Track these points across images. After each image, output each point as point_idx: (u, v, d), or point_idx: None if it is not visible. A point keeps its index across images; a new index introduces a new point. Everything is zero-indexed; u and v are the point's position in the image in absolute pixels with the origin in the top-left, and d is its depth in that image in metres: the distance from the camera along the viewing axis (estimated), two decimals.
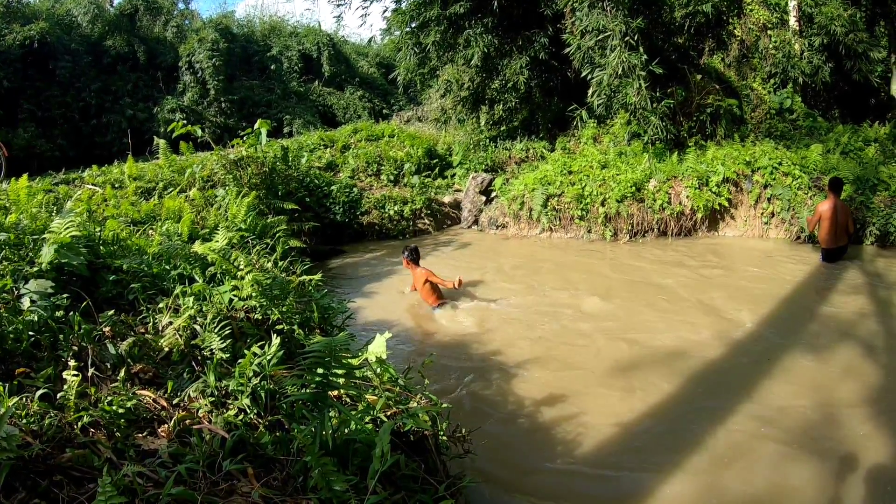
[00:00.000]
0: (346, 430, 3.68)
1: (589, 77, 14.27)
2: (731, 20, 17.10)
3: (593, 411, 6.17)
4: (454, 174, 18.00)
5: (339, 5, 19.08)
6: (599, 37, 13.64)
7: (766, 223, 13.69)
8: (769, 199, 13.55)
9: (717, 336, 8.01)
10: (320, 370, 3.52)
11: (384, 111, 33.41)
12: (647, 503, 4.82)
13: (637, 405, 6.29)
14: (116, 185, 12.03)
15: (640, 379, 6.90)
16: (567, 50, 14.62)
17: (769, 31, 19.80)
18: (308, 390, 3.57)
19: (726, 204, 13.76)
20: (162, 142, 13.72)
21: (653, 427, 5.93)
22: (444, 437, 4.53)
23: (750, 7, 19.71)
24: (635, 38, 13.30)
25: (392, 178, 16.51)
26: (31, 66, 24.70)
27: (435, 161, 18.47)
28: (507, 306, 9.52)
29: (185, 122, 11.50)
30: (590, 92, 14.63)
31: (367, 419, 3.95)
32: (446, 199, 16.47)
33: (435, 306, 9.39)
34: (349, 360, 3.69)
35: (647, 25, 13.83)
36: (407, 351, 7.83)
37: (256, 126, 12.02)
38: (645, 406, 6.28)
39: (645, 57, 13.31)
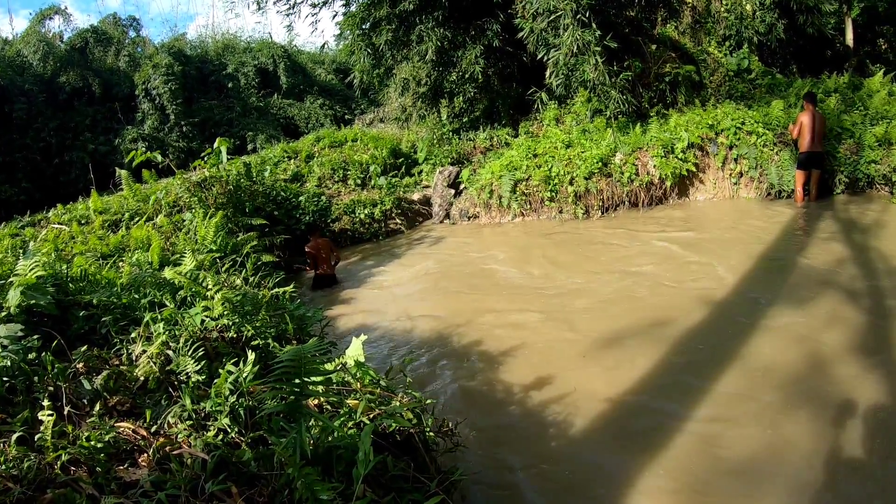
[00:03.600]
0: (329, 438, 3.66)
1: (545, 59, 14.26)
2: None
3: (581, 390, 6.14)
4: (421, 171, 17.98)
5: (288, 14, 18.99)
6: (551, 17, 13.63)
7: (735, 183, 13.80)
8: (736, 160, 13.69)
9: (698, 300, 8.04)
10: (296, 380, 3.50)
11: (346, 116, 33.38)
12: (644, 473, 4.80)
13: (624, 378, 6.28)
14: (83, 221, 11.92)
15: (625, 351, 6.89)
16: (520, 34, 14.60)
17: None
18: (284, 402, 3.55)
19: (694, 169, 13.85)
20: (123, 172, 13.61)
21: (642, 398, 5.93)
22: (431, 433, 4.51)
23: None
24: (587, 15, 13.29)
25: (359, 181, 16.45)
26: None
27: (400, 160, 18.46)
28: (484, 294, 9.51)
29: (146, 149, 11.40)
30: (547, 73, 14.63)
31: (350, 424, 3.93)
32: (415, 196, 16.45)
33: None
34: (323, 367, 3.66)
35: (597, 2, 13.83)
36: (389, 352, 7.80)
37: (216, 145, 11.95)
38: (632, 378, 6.26)
39: (598, 33, 13.31)
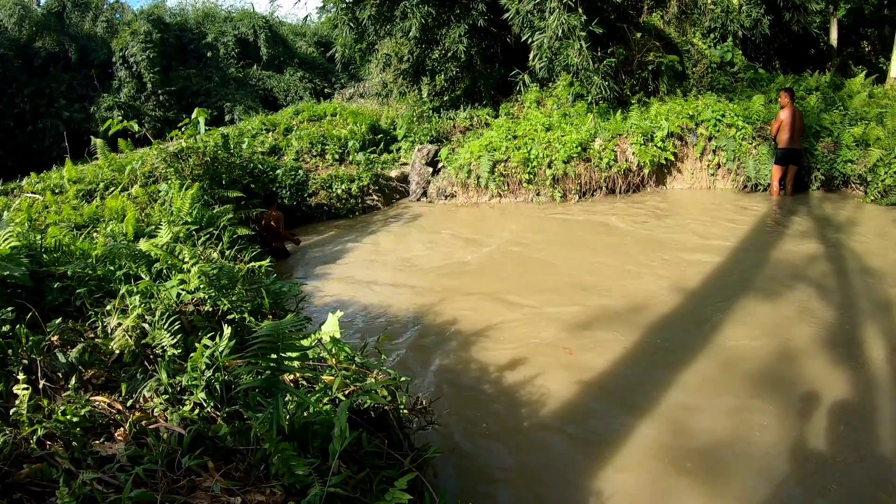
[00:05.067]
0: (305, 414, 3.67)
1: (529, 41, 14.28)
2: None
3: (555, 371, 6.21)
4: (399, 148, 17.89)
5: None
6: (537, 0, 13.62)
7: (712, 174, 13.90)
8: (714, 151, 13.78)
9: (672, 287, 8.11)
10: (273, 355, 3.50)
11: (326, 90, 33.22)
12: (613, 455, 4.87)
13: (597, 361, 6.34)
14: (56, 191, 11.77)
15: (599, 335, 6.95)
16: (506, 16, 14.58)
17: None
18: (261, 377, 3.56)
19: (672, 158, 13.92)
20: (99, 141, 13.46)
21: (614, 381, 6.00)
22: (405, 411, 4.53)
23: None
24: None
25: (337, 156, 16.35)
26: None
27: (379, 136, 18.34)
28: (460, 273, 9.55)
29: (122, 118, 11.23)
30: (531, 56, 14.69)
31: (326, 400, 3.94)
32: (393, 173, 16.38)
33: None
34: (300, 343, 3.66)
35: None
36: (364, 328, 7.81)
37: (194, 116, 11.82)
38: (605, 361, 6.33)
39: (584, 18, 13.35)
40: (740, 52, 18.75)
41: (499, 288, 8.75)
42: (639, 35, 16.76)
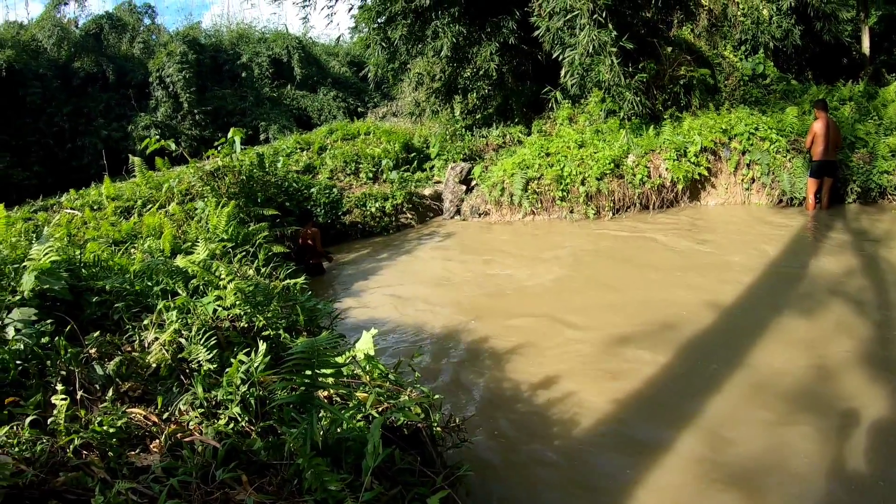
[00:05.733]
0: (338, 430, 3.68)
1: (560, 58, 14.28)
2: None
3: (587, 390, 6.15)
4: (433, 166, 17.91)
5: (304, 6, 19.03)
6: (567, 17, 13.62)
7: (747, 189, 13.73)
8: (748, 165, 13.61)
9: (707, 304, 8.01)
10: (308, 371, 3.52)
11: (359, 109, 33.37)
12: (650, 472, 4.82)
13: (631, 380, 6.27)
14: (95, 207, 11.96)
15: (632, 353, 6.88)
16: (536, 33, 14.60)
17: None
18: (295, 393, 3.57)
19: (706, 173, 13.79)
20: (137, 159, 13.64)
21: (648, 401, 5.92)
22: (438, 429, 4.51)
23: None
24: (603, 15, 13.29)
25: (371, 175, 16.45)
26: (0, 95, 24.52)
27: (413, 154, 18.38)
28: (494, 291, 9.51)
29: (159, 137, 11.43)
30: (562, 73, 14.65)
31: (359, 417, 3.95)
32: (427, 191, 16.40)
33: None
34: (335, 360, 3.67)
35: (614, 2, 13.80)
36: (398, 346, 7.80)
37: (230, 135, 11.95)
38: (639, 381, 6.26)
39: (615, 33, 13.33)
40: (772, 63, 18.61)
41: (532, 306, 8.72)
42: (669, 49, 16.67)
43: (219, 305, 4.94)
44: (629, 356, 6.84)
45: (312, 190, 14.07)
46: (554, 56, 14.53)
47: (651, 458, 5.01)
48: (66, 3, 30.54)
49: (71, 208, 11.89)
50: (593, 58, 13.62)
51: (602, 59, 13.54)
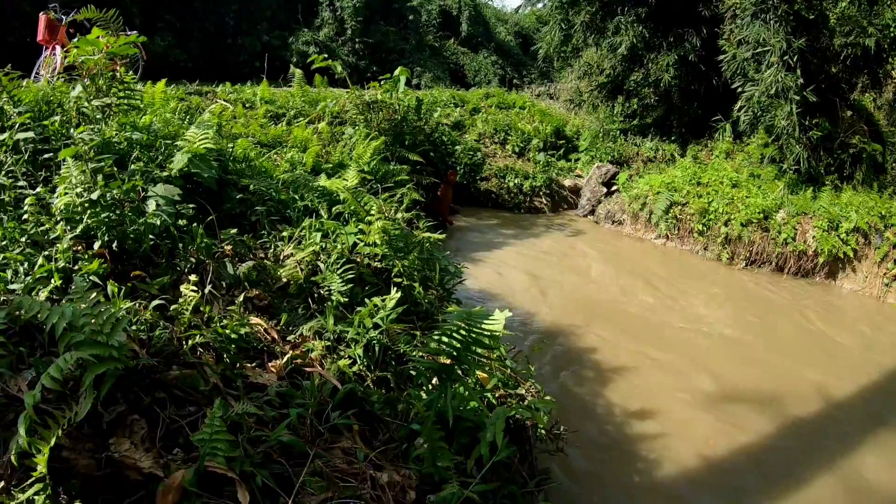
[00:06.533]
0: (460, 408, 3.47)
1: (738, 90, 13.71)
2: (891, 59, 16.10)
3: (679, 436, 6.00)
4: (578, 159, 17.62)
5: None
6: (757, 50, 13.07)
7: (886, 285, 12.85)
8: (895, 261, 12.74)
9: (817, 387, 7.57)
10: (453, 341, 3.30)
11: (514, 81, 33.07)
12: None
13: (724, 437, 6.11)
14: (247, 105, 12.07)
15: (732, 414, 6.63)
16: (720, 57, 14.06)
17: None
18: (419, 354, 3.38)
19: (851, 254, 12.94)
20: (298, 71, 13.74)
21: (736, 468, 5.73)
22: (543, 431, 4.42)
23: None
24: (794, 58, 12.68)
25: (517, 150, 16.31)
26: None
27: (562, 142, 18.08)
28: (614, 305, 9.25)
29: (324, 56, 11.39)
30: (736, 106, 14.09)
31: (476, 397, 3.75)
32: (567, 182, 16.14)
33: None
34: (483, 338, 3.42)
35: (808, 48, 13.14)
36: (507, 328, 7.62)
37: (396, 73, 11.87)
38: (732, 443, 6.06)
39: (801, 80, 12.69)
40: None
41: (651, 334, 8.47)
42: (849, 114, 15.80)
43: (360, 239, 4.78)
44: (726, 417, 6.60)
45: (458, 147, 14.00)
46: (732, 86, 13.94)
47: None
48: None
49: (224, 100, 11.98)
50: (772, 100, 13.00)
51: (782, 105, 12.93)
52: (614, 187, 15.30)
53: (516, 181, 14.66)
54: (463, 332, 3.27)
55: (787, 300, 11.23)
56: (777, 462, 5.82)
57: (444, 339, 3.32)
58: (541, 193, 15.13)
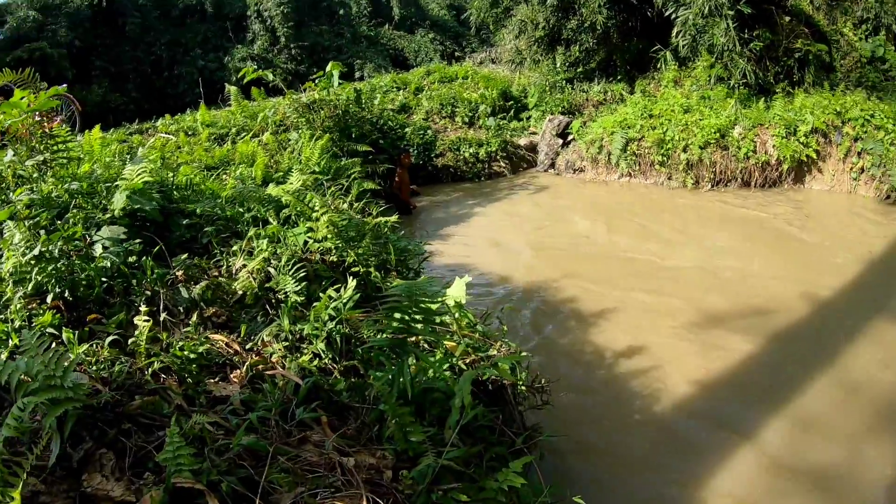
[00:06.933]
0: (424, 379, 3.52)
1: (673, 16, 13.74)
2: None
3: (671, 366, 6.03)
4: (529, 116, 17.63)
5: None
6: None
7: (854, 179, 12.89)
8: (859, 154, 12.73)
9: (802, 296, 7.60)
10: (398, 315, 3.35)
11: (456, 53, 33.17)
12: (721, 463, 4.71)
13: (716, 359, 6.15)
14: (190, 133, 12.13)
15: (721, 335, 6.67)
16: None
17: None
18: (385, 335, 3.41)
19: (814, 156, 12.99)
20: (233, 88, 13.75)
21: (731, 387, 5.78)
22: (524, 388, 4.42)
23: None
24: None
25: (467, 120, 16.32)
26: (100, 24, 25.57)
27: (510, 103, 18.09)
28: (586, 252, 9.34)
29: (256, 68, 11.45)
30: (674, 32, 14.12)
31: (445, 367, 3.79)
32: (522, 141, 16.17)
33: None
34: (429, 305, 3.48)
35: None
36: (483, 295, 7.68)
37: (328, 68, 11.86)
38: (724, 364, 6.10)
39: None
40: (893, 48, 17.51)
41: (625, 272, 8.53)
42: (787, 19, 15.81)
43: (310, 237, 4.84)
44: (719, 334, 6.67)
45: (407, 130, 14.04)
46: (666, 14, 13.98)
47: (729, 443, 4.93)
48: None
49: (166, 132, 11.99)
50: (707, 19, 13.05)
51: (717, 22, 12.97)
52: (570, 137, 15.29)
53: (471, 150, 14.67)
54: (405, 304, 3.32)
55: (759, 213, 11.31)
56: (772, 377, 5.86)
57: (393, 314, 3.37)
58: (498, 157, 15.13)
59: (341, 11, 32.81)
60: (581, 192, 13.25)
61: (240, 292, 4.22)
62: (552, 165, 15.15)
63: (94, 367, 3.11)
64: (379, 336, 3.50)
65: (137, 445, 2.73)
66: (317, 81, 11.91)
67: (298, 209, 5.29)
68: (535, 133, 16.63)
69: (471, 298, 7.31)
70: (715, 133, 13.08)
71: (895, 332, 6.75)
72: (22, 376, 2.51)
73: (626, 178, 13.78)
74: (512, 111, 17.85)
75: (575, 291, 7.73)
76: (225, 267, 4.56)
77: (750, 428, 5.05)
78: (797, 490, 4.39)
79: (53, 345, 3.03)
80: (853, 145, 12.70)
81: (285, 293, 4.15)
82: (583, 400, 5.54)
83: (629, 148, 13.56)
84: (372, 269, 4.81)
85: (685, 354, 6.24)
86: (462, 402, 3.15)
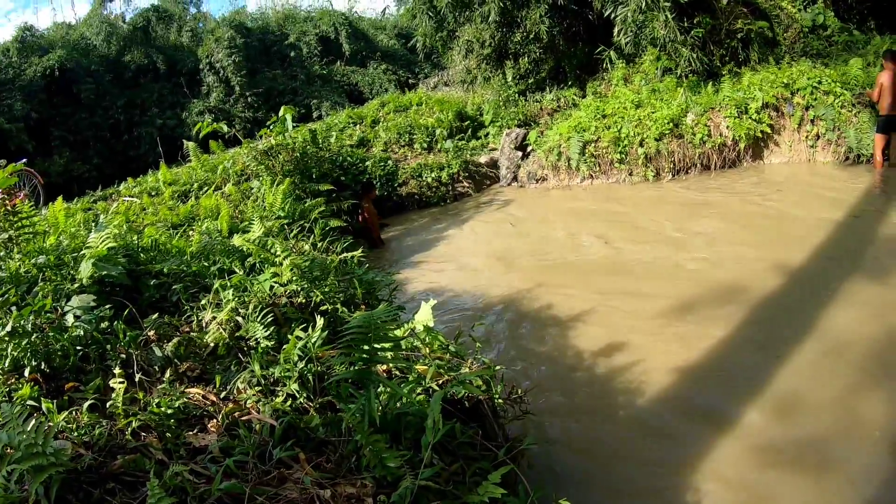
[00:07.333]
0: (398, 405, 3.61)
1: (612, 16, 13.99)
2: None
3: (652, 358, 6.04)
4: (487, 133, 17.78)
5: None
6: None
7: (811, 146, 13.16)
8: (812, 121, 13.02)
9: (773, 267, 7.73)
10: (365, 346, 3.44)
11: (410, 81, 33.38)
12: (714, 444, 4.72)
13: (696, 347, 6.14)
14: (153, 193, 12.16)
15: (697, 318, 6.74)
16: None
17: None
18: (353, 368, 3.50)
19: (768, 130, 13.28)
20: (191, 144, 13.85)
21: (713, 369, 5.80)
22: (500, 400, 4.47)
23: None
24: None
25: (425, 145, 16.44)
26: (55, 94, 25.55)
27: (466, 123, 18.24)
28: (555, 259, 9.42)
29: (212, 121, 11.54)
30: (615, 31, 14.38)
31: (419, 391, 3.88)
32: (483, 159, 16.28)
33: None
34: (393, 333, 3.59)
35: None
36: (458, 317, 7.74)
37: (281, 113, 11.95)
38: (704, 347, 6.12)
39: None
40: (832, 13, 17.82)
41: (595, 273, 8.62)
42: (724, 2, 16.08)
43: (275, 282, 4.91)
44: (697, 321, 6.69)
45: (367, 163, 14.08)
46: (606, 14, 14.22)
47: (714, 429, 4.91)
48: (111, 0, 31.29)
49: (129, 196, 12.07)
50: (646, 14, 13.29)
51: (656, 16, 13.21)
52: (528, 148, 15.42)
53: (433, 175, 14.73)
54: (366, 335, 3.42)
55: (722, 194, 11.52)
56: (754, 356, 5.88)
57: (360, 346, 3.47)
58: (461, 178, 15.19)
59: (292, 54, 32.98)
60: (545, 201, 13.35)
61: (212, 344, 4.29)
62: (515, 178, 15.25)
63: (76, 433, 3.18)
64: (346, 369, 3.59)
65: (122, 503, 2.82)
66: (272, 127, 12.00)
67: (262, 256, 5.38)
68: (494, 149, 16.74)
69: (446, 319, 7.46)
70: (668, 124, 13.30)
71: (871, 289, 6.88)
72: (6, 449, 2.61)
73: (589, 181, 13.91)
74: (469, 131, 17.99)
75: (550, 299, 7.78)
76: (195, 321, 4.62)
77: (737, 410, 5.07)
78: (790, 461, 4.43)
79: (34, 416, 3.12)
80: (805, 114, 13.02)
81: (256, 340, 4.24)
82: (567, 402, 5.54)
83: (587, 150, 13.70)
84: (339, 306, 4.90)
85: (665, 346, 6.26)
86: (434, 422, 3.23)
